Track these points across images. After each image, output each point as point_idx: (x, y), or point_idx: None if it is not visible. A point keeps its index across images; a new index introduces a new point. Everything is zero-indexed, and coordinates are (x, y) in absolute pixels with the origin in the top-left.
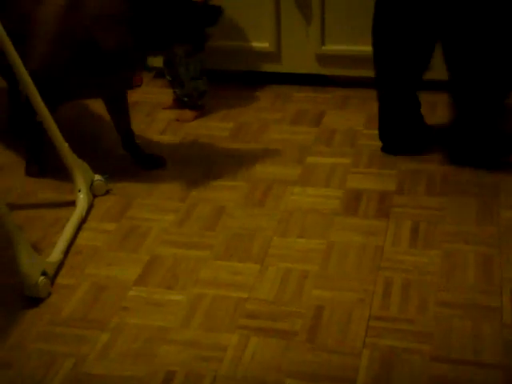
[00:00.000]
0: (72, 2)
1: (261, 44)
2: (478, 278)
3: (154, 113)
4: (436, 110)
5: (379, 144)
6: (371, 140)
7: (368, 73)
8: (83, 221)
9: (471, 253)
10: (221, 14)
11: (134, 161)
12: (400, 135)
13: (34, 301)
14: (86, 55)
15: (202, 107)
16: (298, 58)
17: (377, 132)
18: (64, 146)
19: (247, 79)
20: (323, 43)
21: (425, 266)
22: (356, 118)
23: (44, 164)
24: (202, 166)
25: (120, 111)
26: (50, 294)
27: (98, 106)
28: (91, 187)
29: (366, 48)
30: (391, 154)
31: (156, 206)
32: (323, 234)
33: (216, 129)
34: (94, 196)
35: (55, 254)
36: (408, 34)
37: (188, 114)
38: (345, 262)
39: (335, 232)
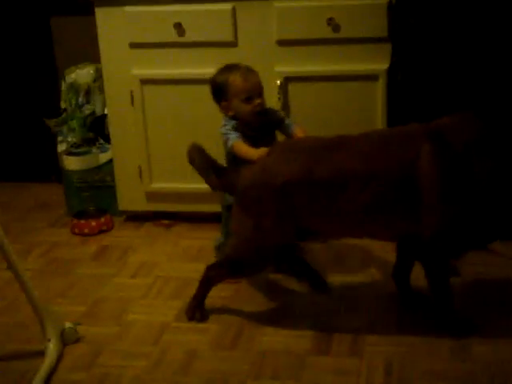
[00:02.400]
0: (439, 140)
1: None
2: None
3: (125, 256)
4: None
5: (349, 283)
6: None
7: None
8: (52, 371)
9: None
10: None
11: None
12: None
13: None
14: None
15: None
16: None
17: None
18: (33, 295)
19: None
20: None
21: None
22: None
23: None
24: (173, 307)
25: None
26: None
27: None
28: (62, 335)
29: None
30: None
31: (128, 351)
32: (296, 376)
33: (188, 270)
34: (65, 344)
35: None
36: None
37: None
38: None
39: (308, 372)
